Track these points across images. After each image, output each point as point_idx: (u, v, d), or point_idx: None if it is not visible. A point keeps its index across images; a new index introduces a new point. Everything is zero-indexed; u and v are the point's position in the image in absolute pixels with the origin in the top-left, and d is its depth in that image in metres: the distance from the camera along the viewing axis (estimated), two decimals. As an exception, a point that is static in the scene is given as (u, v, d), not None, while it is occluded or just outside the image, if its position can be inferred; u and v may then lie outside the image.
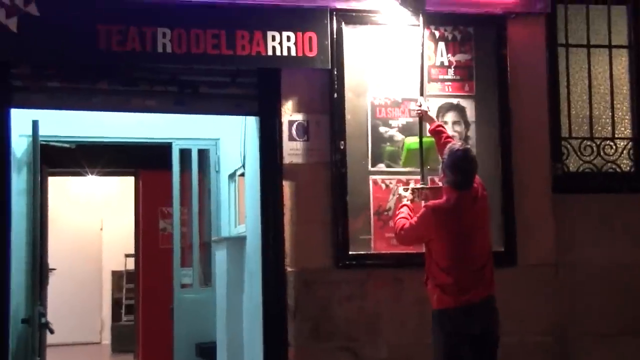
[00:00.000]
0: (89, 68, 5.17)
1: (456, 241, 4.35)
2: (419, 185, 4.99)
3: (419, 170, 5.12)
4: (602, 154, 5.96)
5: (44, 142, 6.52)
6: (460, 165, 4.39)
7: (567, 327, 5.55)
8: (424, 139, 5.06)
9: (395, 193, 5.16)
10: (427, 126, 5.11)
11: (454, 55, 5.53)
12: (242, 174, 6.69)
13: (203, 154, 7.78)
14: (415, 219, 4.49)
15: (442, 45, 5.51)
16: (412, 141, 5.18)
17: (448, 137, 4.91)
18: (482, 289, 4.36)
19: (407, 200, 4.80)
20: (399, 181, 5.27)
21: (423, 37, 5.21)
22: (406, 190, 4.89)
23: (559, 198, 5.65)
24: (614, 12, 6.07)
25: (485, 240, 4.49)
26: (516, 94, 5.57)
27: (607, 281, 5.71)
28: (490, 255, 4.49)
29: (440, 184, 4.61)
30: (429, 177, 5.14)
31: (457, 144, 4.62)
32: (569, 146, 5.91)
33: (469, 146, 4.77)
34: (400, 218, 4.64)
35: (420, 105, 5.05)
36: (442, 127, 5.01)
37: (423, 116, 5.06)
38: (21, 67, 5.08)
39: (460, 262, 4.35)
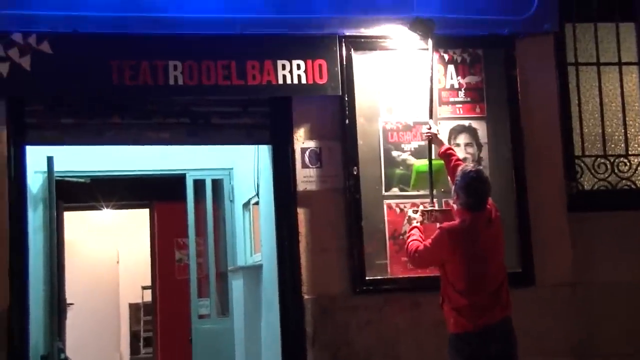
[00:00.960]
0: (102, 103, 5.22)
1: (472, 263, 4.30)
2: (428, 208, 4.97)
3: (433, 193, 5.11)
4: (616, 171, 5.94)
5: (59, 178, 6.57)
6: (474, 187, 4.36)
7: (587, 347, 5.49)
8: (434, 162, 5.03)
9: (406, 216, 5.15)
10: (437, 149, 5.10)
11: (464, 77, 5.55)
12: (257, 203, 6.71)
13: (217, 184, 7.81)
14: (429, 241, 4.45)
15: (451, 68, 5.53)
16: (421, 164, 5.17)
17: (458, 159, 4.89)
18: (499, 310, 4.32)
19: (417, 222, 4.78)
20: (413, 204, 5.26)
21: (432, 60, 5.22)
22: (415, 212, 4.86)
23: (574, 217, 5.62)
24: (622, 29, 6.08)
25: (500, 261, 4.46)
26: (528, 114, 5.58)
27: (626, 299, 5.67)
28: (505, 276, 4.45)
29: (454, 206, 4.58)
30: (438, 200, 5.14)
31: (469, 165, 4.61)
32: (582, 164, 5.90)
33: (481, 167, 4.75)
34: (412, 240, 4.60)
35: (429, 128, 5.04)
36: (452, 150, 4.99)
37: (432, 139, 5.04)
38: (35, 104, 5.13)
39: (476, 284, 4.30)
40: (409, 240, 4.64)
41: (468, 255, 4.31)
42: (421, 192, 5.30)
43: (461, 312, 4.29)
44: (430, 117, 5.11)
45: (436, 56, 5.38)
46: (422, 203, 5.19)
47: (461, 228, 4.36)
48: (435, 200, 5.08)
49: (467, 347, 4.29)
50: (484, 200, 4.40)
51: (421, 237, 4.59)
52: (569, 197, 5.69)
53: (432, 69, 5.19)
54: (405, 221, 5.08)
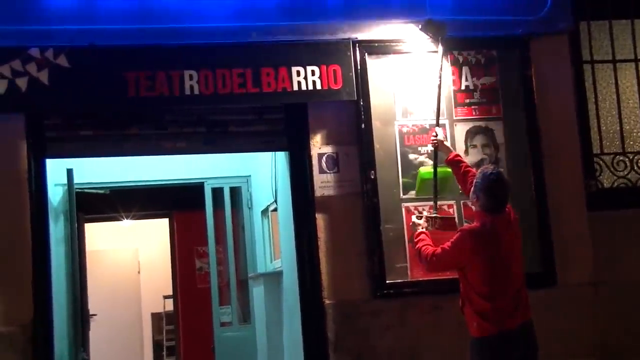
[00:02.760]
0: (119, 115, 5.27)
1: (494, 266, 4.25)
2: (432, 214, 4.92)
3: (451, 195, 5.09)
4: (635, 168, 5.91)
5: (79, 190, 6.62)
6: (495, 189, 4.30)
7: (610, 347, 5.45)
8: (439, 169, 4.99)
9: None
10: (444, 156, 5.04)
11: (478, 78, 5.54)
12: (275, 209, 6.72)
13: (235, 191, 7.83)
14: (448, 244, 4.39)
15: (466, 69, 5.53)
16: (426, 171, 5.16)
17: (467, 166, 4.85)
18: (521, 313, 4.28)
19: (422, 228, 4.72)
20: (431, 207, 5.26)
21: (441, 67, 5.19)
22: (419, 218, 4.82)
23: (594, 215, 5.59)
24: (637, 25, 6.07)
25: (520, 264, 4.42)
26: (544, 113, 5.56)
27: (649, 298, 5.62)
28: (524, 279, 4.43)
29: (472, 208, 4.55)
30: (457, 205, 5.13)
31: (489, 167, 4.55)
32: (601, 162, 5.87)
33: (501, 169, 4.71)
34: (424, 245, 4.55)
35: (436, 135, 5.00)
36: (460, 156, 4.95)
37: (439, 146, 4.99)
38: (54, 118, 5.18)
39: (499, 287, 4.26)
40: (419, 245, 4.59)
41: (490, 258, 4.25)
42: (439, 195, 5.29)
43: (484, 315, 4.24)
44: (437, 124, 5.09)
45: (445, 62, 5.37)
46: (424, 209, 5.18)
47: (482, 231, 4.30)
48: (438, 207, 5.05)
49: (490, 351, 4.24)
50: (504, 202, 4.36)
51: (431, 243, 4.56)
52: (589, 195, 5.66)
53: (440, 77, 5.16)
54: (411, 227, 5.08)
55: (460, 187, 4.90)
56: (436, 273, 4.81)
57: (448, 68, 5.48)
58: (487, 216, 4.32)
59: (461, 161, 4.88)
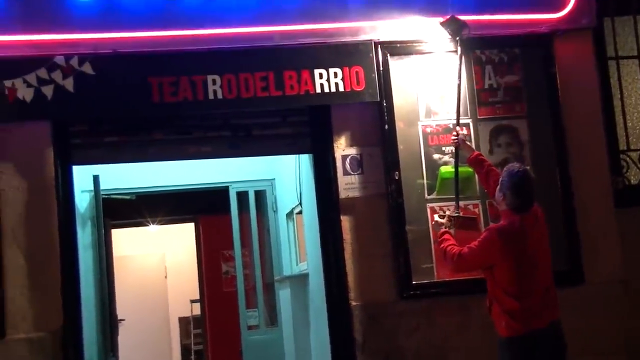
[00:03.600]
0: (144, 120, 5.31)
1: (522, 265, 4.21)
2: (454, 214, 4.86)
3: (477, 195, 5.05)
4: (662, 164, 5.85)
5: (105, 196, 6.68)
6: (522, 187, 4.24)
7: (639, 345, 5.39)
8: (460, 169, 4.95)
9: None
10: (466, 155, 4.98)
11: (502, 77, 5.52)
12: (300, 212, 6.74)
13: (260, 195, 7.86)
14: (476, 243, 4.31)
15: (489, 68, 5.50)
16: (446, 170, 5.12)
17: (490, 165, 4.81)
18: (550, 312, 4.24)
19: (445, 228, 4.69)
20: (455, 208, 5.24)
21: (460, 66, 5.15)
22: (442, 217, 4.79)
23: (622, 212, 5.54)
24: (662, 20, 6.00)
25: (547, 262, 4.37)
26: (569, 110, 5.52)
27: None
28: (552, 277, 4.39)
29: (499, 207, 4.50)
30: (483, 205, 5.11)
31: (515, 165, 4.48)
32: (628, 159, 5.82)
33: (527, 167, 4.66)
34: (449, 245, 4.48)
35: (457, 134, 4.96)
36: (482, 156, 4.91)
37: (460, 145, 4.95)
38: (79, 125, 5.24)
39: (527, 286, 4.21)
40: (444, 245, 4.54)
41: (518, 257, 4.21)
42: (464, 195, 5.28)
43: (513, 315, 4.19)
44: (458, 123, 5.05)
45: (467, 61, 5.35)
46: (448, 209, 5.14)
47: (510, 229, 4.25)
48: (462, 206, 5.03)
49: (520, 350, 4.19)
50: (532, 201, 4.31)
51: (455, 243, 4.52)
52: (616, 192, 5.61)
53: (459, 77, 5.14)
54: (434, 226, 5.06)
55: (483, 186, 4.87)
56: (462, 273, 4.74)
57: (470, 67, 5.46)
58: (514, 215, 4.27)
59: (484, 160, 4.84)
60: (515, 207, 4.27)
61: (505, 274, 4.23)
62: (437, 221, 4.75)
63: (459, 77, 5.14)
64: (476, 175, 4.97)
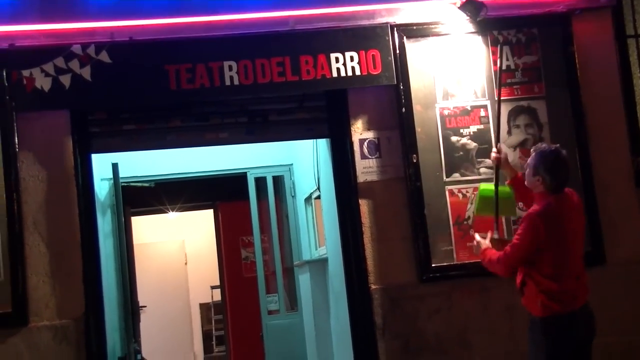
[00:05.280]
0: (161, 108, 5.33)
1: (561, 247, 4.09)
2: (495, 236, 4.48)
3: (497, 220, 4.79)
4: (683, 143, 5.78)
5: (124, 184, 6.71)
6: (558, 166, 4.13)
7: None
8: (500, 188, 4.57)
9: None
10: (507, 174, 4.64)
11: (520, 58, 5.48)
12: (318, 197, 6.74)
13: (278, 180, 7.87)
14: (517, 237, 4.13)
15: (507, 48, 5.45)
16: (485, 187, 4.68)
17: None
18: (583, 295, 4.19)
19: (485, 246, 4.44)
20: (475, 189, 5.21)
21: (498, 78, 4.87)
22: (483, 237, 4.49)
23: (643, 192, 5.50)
24: (682, -3, 5.91)
25: (582, 246, 4.28)
26: (588, 90, 5.47)
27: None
28: (584, 261, 4.28)
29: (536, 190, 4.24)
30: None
31: (544, 145, 4.29)
32: (648, 138, 5.75)
33: (557, 145, 4.53)
34: (491, 254, 4.30)
35: (498, 152, 4.61)
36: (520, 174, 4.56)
37: (501, 164, 4.61)
38: (97, 113, 5.27)
39: (565, 268, 4.09)
40: (487, 256, 4.33)
41: (558, 239, 4.10)
42: (483, 177, 5.25)
43: (550, 295, 4.09)
44: (498, 140, 4.71)
45: (490, 38, 5.31)
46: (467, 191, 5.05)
47: (549, 211, 4.10)
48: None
49: (557, 330, 4.09)
50: (567, 180, 4.19)
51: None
52: (636, 172, 5.55)
53: (498, 92, 4.85)
54: (469, 206, 5.00)
55: (522, 203, 4.62)
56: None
57: (488, 48, 5.42)
58: (550, 196, 4.14)
59: (520, 177, 4.55)
60: (552, 188, 4.14)
61: (544, 255, 4.12)
62: (479, 242, 4.49)
63: (498, 92, 4.87)
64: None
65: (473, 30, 5.39)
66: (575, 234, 4.21)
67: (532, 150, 4.28)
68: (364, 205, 5.23)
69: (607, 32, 5.61)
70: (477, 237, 4.54)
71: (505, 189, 4.57)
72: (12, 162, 4.90)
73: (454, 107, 5.38)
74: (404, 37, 5.33)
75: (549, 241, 4.09)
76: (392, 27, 5.31)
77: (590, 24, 5.55)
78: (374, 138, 5.30)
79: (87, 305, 4.91)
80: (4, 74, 4.90)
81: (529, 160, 4.21)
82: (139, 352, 6.48)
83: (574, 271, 4.16)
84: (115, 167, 6.41)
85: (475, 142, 5.34)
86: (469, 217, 5.24)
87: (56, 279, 4.89)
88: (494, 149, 4.62)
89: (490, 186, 4.60)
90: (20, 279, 4.82)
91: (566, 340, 4.09)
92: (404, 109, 5.29)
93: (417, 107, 5.33)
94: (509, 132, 5.39)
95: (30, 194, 4.94)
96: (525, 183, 4.30)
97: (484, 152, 5.31)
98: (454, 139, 5.35)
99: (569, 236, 4.15)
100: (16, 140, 4.92)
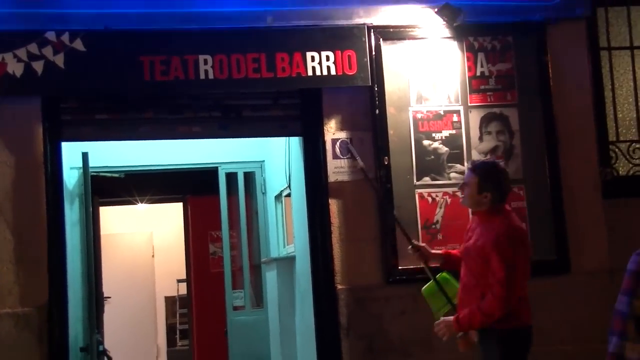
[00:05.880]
0: (135, 99, 5.28)
1: (527, 262, 3.99)
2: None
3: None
4: (651, 156, 5.87)
5: (94, 173, 6.65)
6: (503, 177, 4.03)
7: (625, 334, 5.43)
8: (439, 276, 4.37)
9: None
10: (431, 257, 4.50)
11: (494, 65, 5.52)
12: (289, 195, 6.74)
13: (249, 176, 7.85)
14: (498, 264, 3.82)
15: (481, 55, 5.51)
16: (426, 288, 4.43)
17: (452, 250, 4.46)
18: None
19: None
20: (445, 194, 5.26)
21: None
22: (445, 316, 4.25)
23: (610, 203, 5.57)
24: (655, 12, 6.00)
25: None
26: (560, 100, 5.53)
27: (665, 285, 5.59)
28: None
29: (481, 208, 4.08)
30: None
31: (477, 160, 4.24)
32: (617, 150, 5.84)
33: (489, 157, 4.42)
34: (472, 310, 3.95)
35: (415, 249, 4.42)
36: (441, 250, 4.49)
37: (421, 252, 4.42)
38: (69, 101, 5.21)
39: (525, 278, 3.98)
40: (470, 316, 3.96)
41: (525, 253, 3.99)
42: (453, 182, 5.29)
43: (520, 306, 3.96)
44: (410, 241, 4.52)
45: (465, 44, 5.33)
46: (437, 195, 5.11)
47: (511, 221, 3.98)
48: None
49: (516, 342, 3.98)
50: (510, 192, 4.12)
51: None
52: (604, 183, 5.63)
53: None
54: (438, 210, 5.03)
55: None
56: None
57: (463, 53, 5.46)
58: (501, 210, 4.02)
59: (448, 253, 4.42)
60: (499, 201, 4.02)
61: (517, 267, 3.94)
62: (442, 320, 4.15)
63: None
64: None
65: (449, 35, 5.43)
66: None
67: (468, 167, 4.14)
68: (333, 205, 5.24)
69: (581, 43, 5.68)
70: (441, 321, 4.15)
71: (442, 275, 4.37)
72: (-20, 147, 4.84)
73: (427, 111, 5.41)
74: (381, 39, 5.35)
75: (524, 253, 3.98)
76: (369, 28, 5.33)
77: (564, 35, 5.62)
78: (347, 138, 5.31)
79: (50, 294, 4.86)
80: (-25, 57, 4.84)
81: (467, 178, 4.08)
82: (102, 343, 6.42)
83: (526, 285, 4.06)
84: (85, 156, 6.35)
85: (446, 146, 5.38)
86: (437, 222, 5.28)
87: (20, 267, 4.83)
88: (409, 248, 4.41)
89: (430, 284, 4.38)
90: (-16, 265, 4.77)
91: (521, 354, 4.02)
92: (377, 111, 5.31)
93: (390, 110, 5.35)
94: (481, 139, 5.44)
95: (-3, 180, 4.88)
96: (466, 204, 4.15)
97: (455, 157, 5.36)
98: (425, 142, 5.38)
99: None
100: (-15, 125, 4.86)
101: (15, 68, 4.87)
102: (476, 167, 4.08)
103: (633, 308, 2.24)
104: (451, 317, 4.07)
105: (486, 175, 4.02)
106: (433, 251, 4.49)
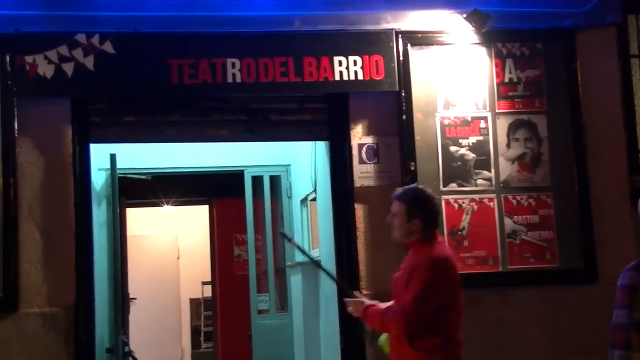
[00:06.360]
0: (162, 101, 5.32)
1: (459, 298, 3.74)
2: None
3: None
4: (681, 164, 5.79)
5: (121, 175, 6.70)
6: (432, 204, 3.83)
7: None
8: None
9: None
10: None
11: (522, 71, 5.49)
12: (314, 199, 6.74)
13: (275, 180, 7.86)
14: (417, 285, 3.57)
15: (510, 61, 5.47)
16: (382, 340, 3.99)
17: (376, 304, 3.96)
18: None
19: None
20: (471, 200, 5.24)
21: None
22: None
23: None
24: (687, 19, 5.92)
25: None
26: (589, 107, 5.48)
27: (694, 296, 5.51)
28: None
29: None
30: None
31: (399, 189, 3.99)
32: (646, 158, 5.76)
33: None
34: (376, 310, 3.81)
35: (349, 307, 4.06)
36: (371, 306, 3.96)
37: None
38: (98, 103, 5.26)
39: (459, 316, 3.75)
40: (374, 318, 3.82)
41: (456, 286, 3.73)
42: (479, 188, 5.26)
43: (445, 350, 3.68)
44: (345, 289, 4.33)
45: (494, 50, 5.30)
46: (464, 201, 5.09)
47: (444, 249, 3.78)
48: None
49: None
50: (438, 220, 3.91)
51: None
52: (632, 191, 5.57)
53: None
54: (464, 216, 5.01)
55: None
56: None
57: (491, 60, 5.43)
58: (432, 239, 3.78)
59: (373, 305, 3.94)
60: (430, 229, 3.79)
61: (451, 304, 3.74)
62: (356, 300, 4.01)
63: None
64: None
65: (477, 41, 5.40)
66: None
67: (394, 197, 3.92)
68: (359, 209, 5.24)
69: (611, 50, 5.62)
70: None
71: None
72: (10, 148, 4.89)
73: (454, 117, 5.39)
74: (408, 44, 5.34)
75: (455, 287, 3.72)
76: (397, 33, 5.32)
77: (594, 41, 5.56)
78: (373, 143, 5.30)
79: (77, 294, 4.90)
80: (7, 58, 4.90)
81: (394, 209, 3.86)
82: (127, 344, 6.46)
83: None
84: (113, 157, 6.39)
85: (473, 153, 5.35)
86: (463, 228, 5.25)
87: (48, 267, 4.88)
88: (349, 308, 4.05)
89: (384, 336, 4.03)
90: (13, 264, 4.82)
91: None
92: (404, 116, 5.29)
93: (417, 115, 5.34)
94: (508, 145, 5.40)
95: (27, 181, 4.93)
96: (397, 236, 3.88)
97: (482, 164, 5.33)
98: (452, 148, 5.36)
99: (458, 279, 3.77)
100: (16, 126, 4.92)
101: (45, 69, 4.93)
102: (402, 195, 3.87)
103: (632, 320, 2.27)
104: (366, 302, 3.90)
105: (413, 202, 3.81)
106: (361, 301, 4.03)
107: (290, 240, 5.01)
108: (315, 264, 4.78)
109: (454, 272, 3.72)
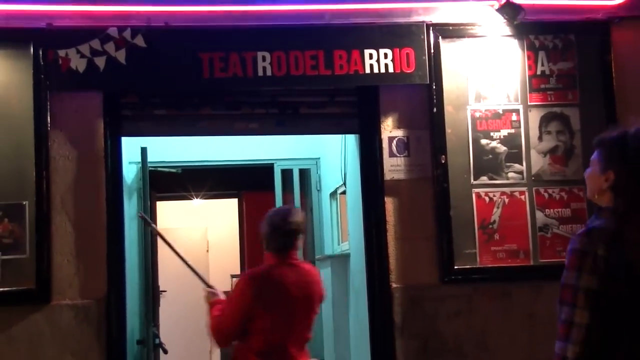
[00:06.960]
0: (193, 95, 5.34)
1: (277, 317, 3.80)
2: None
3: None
4: None
5: (152, 168, 6.75)
6: (279, 224, 3.92)
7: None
8: None
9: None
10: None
11: (555, 63, 5.42)
12: (344, 192, 6.73)
13: (304, 173, 7.87)
14: (229, 296, 3.87)
15: (542, 54, 5.41)
16: None
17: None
18: None
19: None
20: (502, 194, 5.21)
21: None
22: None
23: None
24: None
25: (309, 327, 4.04)
26: (623, 100, 5.41)
27: None
28: (306, 343, 4.05)
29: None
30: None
31: (278, 209, 4.23)
32: (681, 151, 5.67)
33: (293, 207, 4.30)
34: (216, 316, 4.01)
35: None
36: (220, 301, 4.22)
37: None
38: (129, 97, 5.28)
39: (278, 343, 3.80)
40: (212, 313, 4.11)
41: (274, 307, 3.79)
42: (512, 181, 5.22)
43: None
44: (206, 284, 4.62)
45: (526, 42, 5.25)
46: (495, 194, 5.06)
47: (266, 274, 3.88)
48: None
49: None
50: (293, 239, 3.95)
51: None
52: (667, 184, 5.48)
53: None
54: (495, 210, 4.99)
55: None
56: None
57: (523, 52, 5.38)
58: (272, 258, 3.93)
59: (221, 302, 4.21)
60: (274, 249, 3.94)
61: (256, 327, 3.81)
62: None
63: None
64: None
65: (509, 33, 5.35)
66: (301, 309, 3.93)
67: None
68: (389, 203, 5.22)
69: (645, 42, 5.54)
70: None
71: None
72: (43, 141, 4.94)
73: (485, 110, 5.34)
74: (439, 37, 5.30)
75: (261, 308, 3.77)
76: (427, 26, 5.28)
77: (629, 34, 5.48)
78: (404, 136, 5.28)
79: (109, 286, 4.94)
80: (40, 52, 4.95)
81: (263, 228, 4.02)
82: (157, 336, 6.51)
83: (291, 349, 3.89)
84: (144, 151, 6.44)
85: (505, 146, 5.30)
86: (494, 221, 5.22)
87: (80, 259, 4.93)
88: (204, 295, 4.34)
89: None
90: (46, 256, 4.87)
91: None
92: (435, 109, 5.26)
93: (448, 108, 5.30)
94: (540, 138, 5.35)
95: (59, 174, 4.97)
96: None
97: (514, 157, 5.29)
98: (483, 141, 5.32)
99: (290, 308, 3.85)
100: (48, 120, 4.96)
101: (78, 63, 4.96)
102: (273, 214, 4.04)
103: (581, 281, 2.41)
104: (219, 295, 4.27)
105: (270, 222, 4.02)
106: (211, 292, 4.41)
107: (149, 224, 5.15)
108: (180, 258, 4.94)
109: (264, 287, 3.83)
